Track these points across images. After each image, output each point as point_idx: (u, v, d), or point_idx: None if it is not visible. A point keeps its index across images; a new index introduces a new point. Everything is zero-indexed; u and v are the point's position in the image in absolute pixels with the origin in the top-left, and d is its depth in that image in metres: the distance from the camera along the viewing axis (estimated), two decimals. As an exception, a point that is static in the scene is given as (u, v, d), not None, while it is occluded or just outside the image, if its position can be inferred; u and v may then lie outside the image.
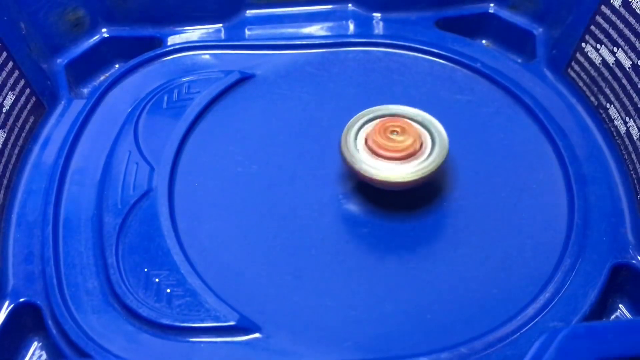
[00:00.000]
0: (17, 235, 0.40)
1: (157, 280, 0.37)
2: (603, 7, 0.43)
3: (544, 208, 0.40)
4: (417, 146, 0.39)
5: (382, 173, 0.38)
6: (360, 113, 0.41)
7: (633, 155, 0.41)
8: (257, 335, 0.36)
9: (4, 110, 0.42)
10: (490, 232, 0.39)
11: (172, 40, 0.51)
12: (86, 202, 0.41)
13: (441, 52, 0.48)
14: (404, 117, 0.41)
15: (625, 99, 0.42)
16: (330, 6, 0.52)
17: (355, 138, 0.40)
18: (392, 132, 0.39)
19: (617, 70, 0.43)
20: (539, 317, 0.36)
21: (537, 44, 0.49)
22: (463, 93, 0.46)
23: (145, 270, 0.38)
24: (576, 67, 0.46)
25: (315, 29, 0.51)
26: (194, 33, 0.51)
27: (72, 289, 0.37)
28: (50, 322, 0.37)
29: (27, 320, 0.37)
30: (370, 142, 0.39)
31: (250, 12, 0.52)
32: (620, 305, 0.38)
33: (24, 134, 0.44)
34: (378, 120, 0.41)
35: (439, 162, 0.39)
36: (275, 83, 0.47)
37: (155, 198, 0.40)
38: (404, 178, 0.38)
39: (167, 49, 0.49)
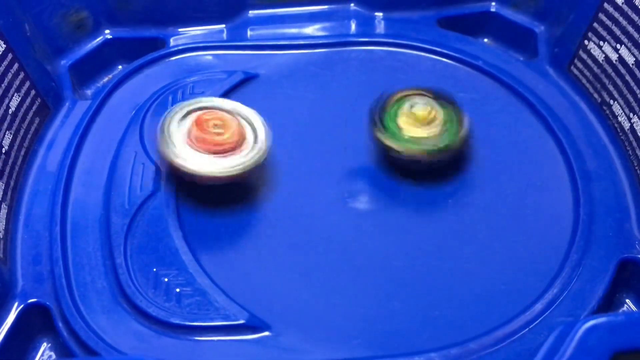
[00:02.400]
0: (24, 236, 0.40)
1: (166, 279, 0.37)
2: (606, 4, 0.44)
3: (549, 205, 0.41)
4: (236, 140, 0.39)
5: (198, 167, 0.38)
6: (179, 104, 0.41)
7: (637, 151, 0.41)
8: (266, 333, 0.36)
9: (10, 111, 0.42)
10: (496, 230, 0.40)
11: (175, 41, 0.51)
12: (93, 202, 0.41)
13: (443, 51, 0.48)
14: (224, 110, 0.40)
15: (629, 95, 0.42)
16: (332, 6, 0.52)
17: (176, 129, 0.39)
18: (214, 125, 0.39)
19: (620, 67, 0.43)
20: (547, 312, 0.36)
21: (539, 42, 0.50)
22: (466, 91, 0.46)
23: (154, 270, 0.38)
24: (579, 65, 0.46)
25: (317, 29, 0.51)
26: (196, 34, 0.51)
27: (81, 289, 0.37)
28: (59, 323, 0.37)
29: (37, 321, 0.37)
30: (192, 136, 0.39)
31: (252, 13, 0.52)
32: (627, 300, 0.39)
33: (29, 136, 0.44)
34: (198, 113, 0.40)
35: (258, 158, 0.39)
36: (279, 83, 0.47)
37: (163, 198, 0.40)
38: (221, 173, 0.38)
39: (171, 50, 0.49)
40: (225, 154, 0.39)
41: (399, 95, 0.42)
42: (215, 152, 0.38)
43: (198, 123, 0.39)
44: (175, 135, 0.39)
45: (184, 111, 0.40)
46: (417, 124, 0.40)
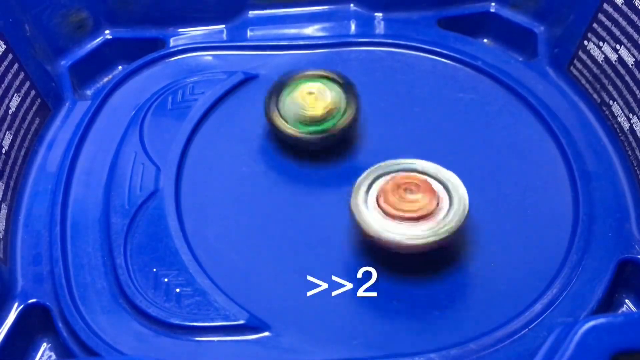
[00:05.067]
0: (24, 236, 0.40)
1: (166, 280, 0.37)
2: (605, 5, 0.44)
3: (548, 205, 0.41)
4: (433, 205, 0.37)
5: (396, 237, 0.36)
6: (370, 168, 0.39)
7: (637, 152, 0.41)
8: (266, 333, 0.36)
9: (10, 112, 0.42)
10: (495, 230, 0.40)
11: (175, 41, 0.51)
12: (93, 203, 0.41)
13: (443, 51, 0.48)
14: (420, 172, 0.38)
15: (628, 96, 0.42)
16: (332, 6, 0.52)
17: (367, 195, 0.37)
18: (406, 189, 0.37)
19: (619, 67, 0.43)
20: (547, 312, 0.36)
21: (538, 43, 0.50)
22: (466, 92, 0.46)
23: (154, 270, 0.38)
24: (579, 65, 0.46)
25: (317, 29, 0.51)
26: (196, 34, 0.51)
27: (81, 289, 0.38)
28: (59, 323, 0.37)
29: (37, 322, 0.37)
30: (382, 201, 0.37)
31: (252, 13, 0.52)
32: (626, 300, 0.39)
33: (29, 136, 0.44)
34: (391, 176, 0.38)
35: (457, 222, 0.36)
36: (279, 83, 0.47)
37: (162, 198, 0.40)
38: (418, 241, 0.36)
39: (171, 50, 0.49)
40: (419, 220, 0.36)
41: (301, 75, 0.43)
42: (409, 219, 0.36)
43: (392, 188, 0.37)
44: (368, 200, 0.37)
45: (374, 175, 0.38)
46: (306, 105, 0.41)
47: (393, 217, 0.36)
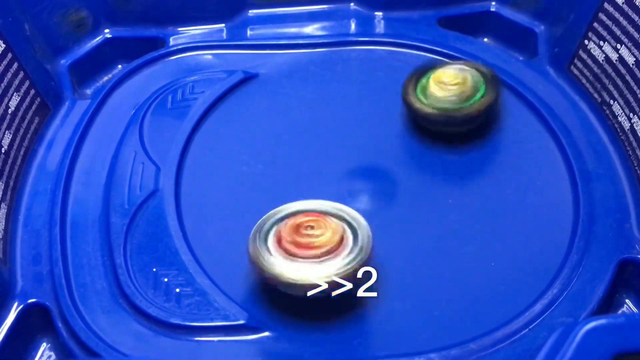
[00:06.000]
0: (24, 236, 0.40)
1: (165, 280, 0.37)
2: (606, 4, 0.44)
3: (549, 205, 0.41)
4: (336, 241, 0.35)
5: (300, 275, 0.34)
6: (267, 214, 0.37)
7: (637, 151, 0.41)
8: (266, 333, 0.36)
9: (9, 111, 0.42)
10: (495, 230, 0.40)
11: (175, 40, 0.51)
12: (93, 202, 0.41)
13: (443, 51, 0.48)
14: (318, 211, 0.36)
15: (629, 95, 0.42)
16: (332, 5, 0.52)
17: (266, 239, 0.35)
18: (307, 227, 0.35)
19: (620, 66, 0.43)
20: (547, 313, 0.36)
21: (539, 42, 0.49)
22: (466, 91, 0.46)
23: (154, 270, 0.38)
24: (579, 64, 0.46)
25: (317, 28, 0.51)
26: (196, 33, 0.51)
27: (80, 289, 0.37)
28: (59, 323, 0.37)
29: (36, 321, 0.37)
30: (284, 242, 0.35)
31: (252, 12, 0.52)
32: (627, 301, 0.39)
33: (29, 135, 0.44)
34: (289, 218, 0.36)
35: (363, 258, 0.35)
36: (279, 82, 0.47)
37: (162, 198, 0.40)
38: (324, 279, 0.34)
39: (170, 50, 0.49)
40: (322, 258, 0.34)
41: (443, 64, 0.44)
42: (312, 257, 0.34)
43: (292, 227, 0.35)
44: (268, 242, 0.35)
45: (274, 219, 0.36)
46: (440, 86, 0.42)
47: (297, 257, 0.34)
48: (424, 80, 0.43)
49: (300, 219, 0.35)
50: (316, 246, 0.34)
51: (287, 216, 0.36)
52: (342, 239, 0.35)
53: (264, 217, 0.36)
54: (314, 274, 0.34)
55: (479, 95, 0.42)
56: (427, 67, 0.44)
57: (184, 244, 0.38)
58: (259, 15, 0.52)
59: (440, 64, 0.44)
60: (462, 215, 0.40)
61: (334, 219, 0.36)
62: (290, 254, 0.34)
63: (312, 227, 0.35)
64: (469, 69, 0.43)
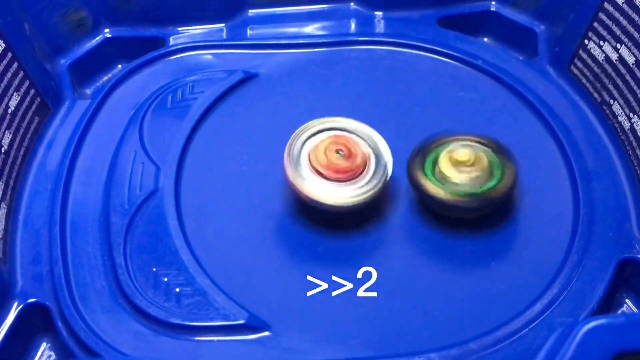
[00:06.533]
0: (24, 236, 0.40)
1: (165, 279, 0.37)
2: (606, 4, 0.44)
3: (549, 204, 0.41)
4: (360, 169, 0.38)
5: (326, 195, 0.37)
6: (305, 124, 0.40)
7: (637, 151, 0.41)
8: (266, 333, 0.36)
9: (9, 111, 0.42)
10: (496, 229, 0.40)
11: (175, 40, 0.51)
12: (93, 202, 0.41)
13: (443, 50, 0.48)
14: (350, 132, 0.39)
15: (629, 95, 0.42)
16: (332, 5, 0.52)
17: (300, 153, 0.39)
18: (338, 151, 0.38)
19: (620, 66, 0.43)
20: (547, 312, 0.36)
21: (539, 42, 0.50)
22: (466, 90, 0.46)
23: (154, 270, 0.38)
24: (579, 64, 0.46)
25: (317, 28, 0.51)
26: (196, 33, 0.51)
27: (80, 289, 0.37)
28: (59, 323, 0.37)
29: (36, 321, 0.37)
30: (314, 162, 0.38)
31: (252, 12, 0.52)
32: (627, 300, 0.39)
33: (29, 135, 0.44)
34: (324, 135, 0.39)
35: (380, 185, 0.38)
36: (279, 82, 0.47)
37: (162, 198, 0.40)
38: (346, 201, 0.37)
39: (170, 49, 0.49)
40: (348, 182, 0.38)
41: (445, 140, 0.40)
42: (338, 180, 0.38)
43: (322, 148, 0.38)
44: (301, 158, 0.39)
45: (310, 132, 0.39)
46: (456, 167, 0.38)
47: (323, 176, 0.38)
48: (431, 159, 0.39)
49: (330, 141, 0.38)
50: (343, 170, 0.38)
51: (319, 132, 0.39)
52: (366, 164, 0.38)
53: (296, 131, 0.39)
54: (341, 194, 0.37)
55: (497, 175, 0.38)
56: (432, 143, 0.40)
57: (184, 244, 0.38)
58: (259, 15, 0.52)
59: (445, 139, 0.40)
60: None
61: (361, 142, 0.39)
62: (320, 174, 0.38)
63: (341, 150, 0.38)
64: (475, 144, 0.39)
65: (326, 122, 0.40)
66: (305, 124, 0.40)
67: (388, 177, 0.38)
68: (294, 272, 0.38)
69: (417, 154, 0.39)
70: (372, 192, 0.38)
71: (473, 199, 0.37)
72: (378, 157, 0.39)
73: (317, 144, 0.39)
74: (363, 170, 0.38)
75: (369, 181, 0.38)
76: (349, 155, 0.38)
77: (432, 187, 0.38)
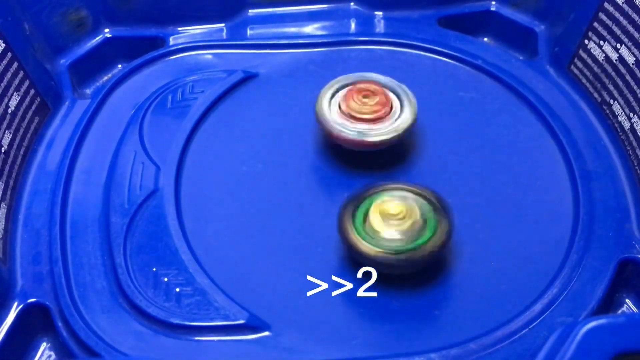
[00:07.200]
0: (24, 236, 0.40)
1: (165, 279, 0.37)
2: (606, 4, 0.44)
3: (549, 204, 0.41)
4: (388, 108, 0.41)
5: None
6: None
7: (637, 151, 0.41)
8: (266, 333, 0.36)
9: (9, 111, 0.42)
10: (496, 229, 0.40)
11: (175, 40, 0.51)
12: (93, 202, 0.41)
13: (443, 50, 0.48)
14: (374, 82, 0.43)
15: (629, 95, 0.42)
16: (332, 5, 0.52)
17: (329, 104, 0.42)
18: (365, 96, 0.41)
19: (620, 66, 0.43)
20: (547, 312, 0.36)
21: (539, 41, 0.50)
22: (466, 90, 0.46)
23: (154, 269, 0.38)
24: (579, 64, 0.46)
25: (317, 28, 0.51)
26: (196, 33, 0.51)
27: (80, 289, 0.37)
28: (59, 323, 0.37)
29: (36, 321, 0.37)
30: (344, 107, 0.41)
31: (252, 12, 0.52)
32: (627, 300, 0.39)
33: (29, 135, 0.44)
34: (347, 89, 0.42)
35: (410, 121, 0.41)
36: (279, 82, 0.47)
37: (162, 198, 0.40)
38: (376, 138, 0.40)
39: (170, 49, 0.49)
40: (375, 122, 0.41)
41: (379, 189, 0.38)
42: (366, 121, 0.41)
43: (350, 96, 0.41)
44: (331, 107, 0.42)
45: (334, 88, 0.43)
46: (386, 221, 0.36)
47: (353, 118, 0.41)
48: (361, 211, 0.37)
49: (356, 88, 0.42)
50: (369, 111, 0.41)
51: (352, 83, 0.43)
52: (392, 108, 0.42)
53: (331, 82, 0.43)
54: (377, 130, 0.40)
55: (430, 229, 0.36)
56: (364, 192, 0.38)
57: (184, 244, 0.38)
58: (259, 15, 0.52)
59: (379, 187, 0.38)
60: (462, 215, 0.40)
61: (388, 91, 0.42)
62: (349, 116, 0.41)
63: (368, 96, 0.41)
64: (409, 194, 0.37)
65: (348, 77, 0.43)
66: (330, 82, 0.43)
67: (415, 113, 0.41)
68: (294, 272, 0.38)
69: (347, 203, 0.37)
70: (405, 127, 0.41)
71: (402, 255, 0.35)
72: (401, 98, 0.42)
73: (345, 93, 0.42)
74: (391, 110, 0.41)
75: (399, 117, 0.41)
76: (375, 96, 0.41)
77: (360, 243, 0.36)
